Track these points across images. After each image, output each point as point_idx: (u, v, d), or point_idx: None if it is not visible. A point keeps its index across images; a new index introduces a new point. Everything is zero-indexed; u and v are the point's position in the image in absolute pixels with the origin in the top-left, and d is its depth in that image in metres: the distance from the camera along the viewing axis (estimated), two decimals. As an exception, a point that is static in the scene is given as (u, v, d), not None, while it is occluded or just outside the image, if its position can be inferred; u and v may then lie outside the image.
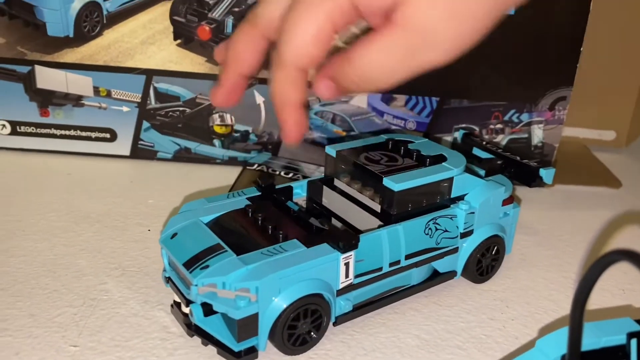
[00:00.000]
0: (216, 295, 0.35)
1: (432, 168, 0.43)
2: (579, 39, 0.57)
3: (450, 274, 0.45)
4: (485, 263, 0.46)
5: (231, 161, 0.63)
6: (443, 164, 0.44)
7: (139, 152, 0.63)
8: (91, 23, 0.58)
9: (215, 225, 0.40)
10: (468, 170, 0.45)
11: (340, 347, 0.38)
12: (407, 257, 0.41)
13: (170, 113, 0.61)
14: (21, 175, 0.59)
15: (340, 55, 0.30)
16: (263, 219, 0.40)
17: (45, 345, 0.37)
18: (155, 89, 0.60)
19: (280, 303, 0.35)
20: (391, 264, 0.40)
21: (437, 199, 0.43)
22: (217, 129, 0.62)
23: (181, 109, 0.61)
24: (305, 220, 0.40)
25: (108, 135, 0.62)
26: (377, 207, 0.42)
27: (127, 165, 0.62)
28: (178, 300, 0.38)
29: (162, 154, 0.63)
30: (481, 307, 0.43)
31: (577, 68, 0.58)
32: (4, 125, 0.62)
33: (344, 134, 0.61)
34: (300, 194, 0.47)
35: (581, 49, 0.57)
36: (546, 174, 0.49)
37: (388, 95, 0.60)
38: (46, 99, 0.60)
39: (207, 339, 0.37)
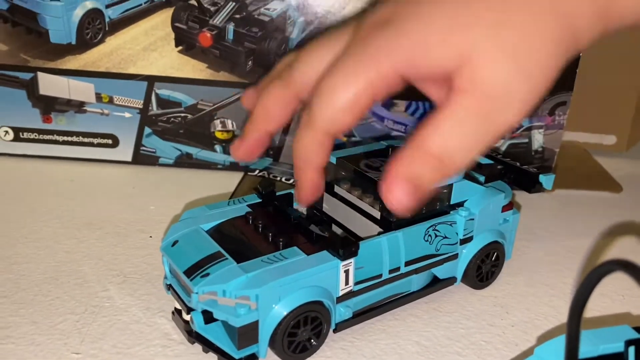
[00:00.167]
0: (217, 303, 0.35)
1: (431, 175, 0.43)
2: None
3: (450, 280, 0.45)
4: (485, 269, 0.46)
5: (232, 167, 0.63)
6: (443, 170, 0.44)
7: (141, 158, 0.63)
8: (93, 30, 0.58)
9: (216, 233, 0.40)
10: (467, 176, 0.45)
11: (341, 354, 0.38)
12: (407, 263, 0.41)
13: (172, 119, 0.61)
14: (24, 182, 0.59)
15: (406, 149, 0.27)
16: (263, 226, 0.40)
17: (48, 352, 0.37)
18: (157, 95, 0.60)
19: (281, 310, 0.35)
20: (391, 271, 0.40)
21: (436, 205, 0.43)
22: (219, 135, 0.62)
23: (183, 115, 0.61)
24: (306, 228, 0.40)
25: (110, 141, 0.62)
26: (377, 214, 0.42)
27: (129, 171, 0.63)
28: (179, 307, 0.38)
29: (164, 159, 0.63)
30: (481, 313, 0.43)
31: (577, 73, 0.58)
32: (6, 132, 0.62)
33: (345, 139, 0.62)
34: (300, 200, 0.47)
35: (580, 53, 0.57)
36: (546, 180, 0.49)
37: (388, 101, 0.61)
38: (49, 106, 0.61)
39: (208, 346, 0.37)
